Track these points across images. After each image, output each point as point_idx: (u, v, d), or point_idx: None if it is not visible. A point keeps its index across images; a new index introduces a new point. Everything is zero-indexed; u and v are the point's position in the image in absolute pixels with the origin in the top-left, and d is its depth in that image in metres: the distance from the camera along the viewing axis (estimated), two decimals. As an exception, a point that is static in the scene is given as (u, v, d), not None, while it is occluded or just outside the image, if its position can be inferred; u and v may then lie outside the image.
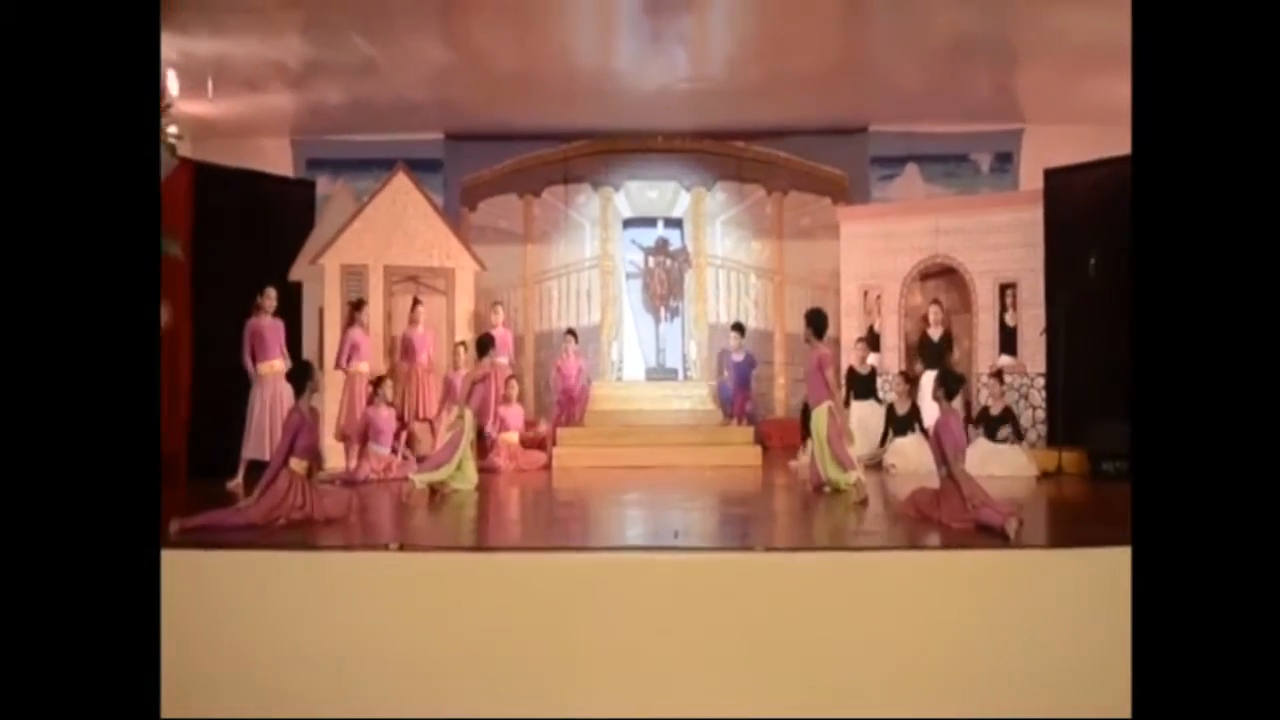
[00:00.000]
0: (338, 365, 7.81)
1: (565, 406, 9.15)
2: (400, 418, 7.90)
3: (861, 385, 8.59)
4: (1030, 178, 9.79)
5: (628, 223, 11.21)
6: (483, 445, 7.67)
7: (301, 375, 5.58)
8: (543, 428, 8.88)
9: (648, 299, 10.62)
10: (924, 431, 7.70)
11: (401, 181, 8.55)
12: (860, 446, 7.47)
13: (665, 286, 10.51)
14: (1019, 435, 7.65)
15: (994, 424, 7.58)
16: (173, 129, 6.47)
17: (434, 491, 6.25)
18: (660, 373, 10.26)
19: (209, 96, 9.17)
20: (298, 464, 5.27)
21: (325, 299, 8.19)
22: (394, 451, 7.65)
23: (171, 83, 8.35)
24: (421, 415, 8.22)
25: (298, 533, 4.86)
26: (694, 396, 9.49)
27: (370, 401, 7.50)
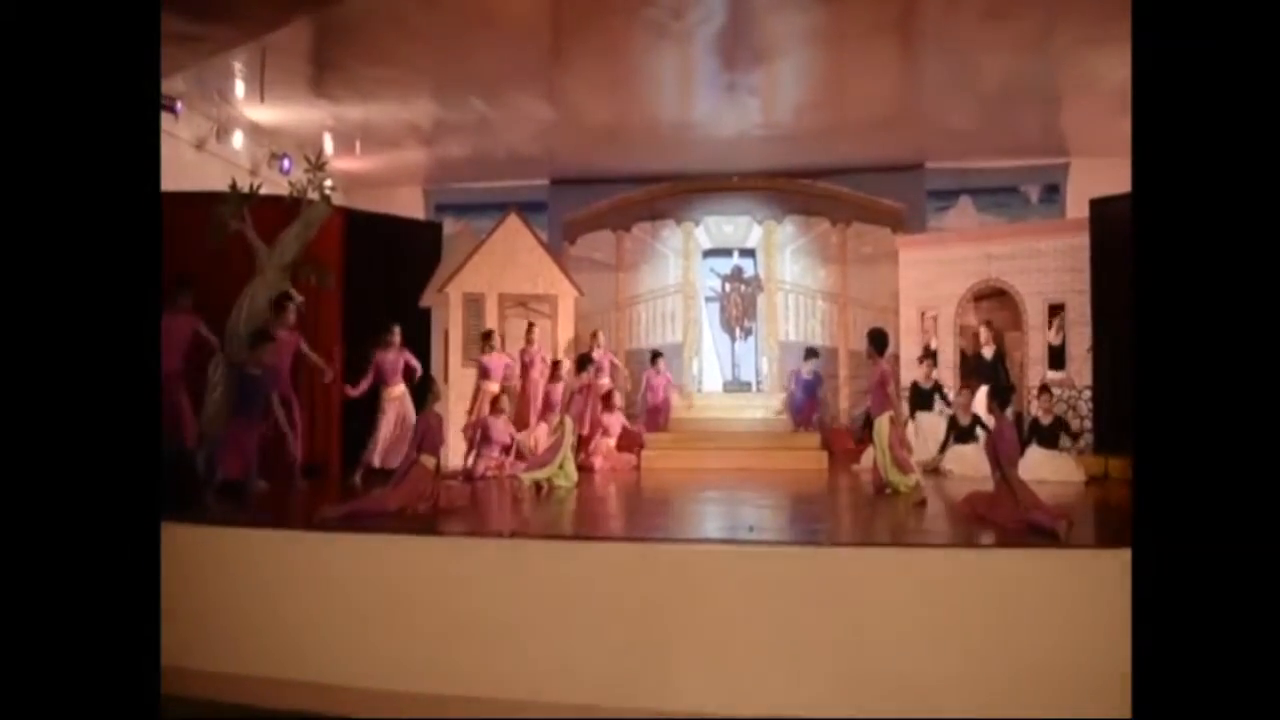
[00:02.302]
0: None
1: (653, 415, 9.17)
2: (513, 423, 7.99)
3: (924, 398, 8.32)
4: (1076, 207, 9.41)
5: (707, 253, 11.23)
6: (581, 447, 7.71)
7: (424, 387, 5.69)
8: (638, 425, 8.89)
9: (724, 320, 10.59)
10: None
11: (513, 221, 8.75)
12: (920, 453, 7.23)
13: (740, 309, 10.47)
14: (1074, 438, 7.25)
15: (1044, 433, 7.21)
16: (328, 182, 6.76)
17: (539, 487, 6.33)
18: (736, 385, 10.24)
19: (357, 154, 9.66)
20: (428, 460, 5.33)
21: (450, 322, 8.43)
22: (506, 452, 7.76)
23: (327, 144, 8.80)
24: (532, 423, 8.31)
25: (425, 520, 4.96)
26: (766, 406, 9.42)
27: (492, 411, 7.61)
